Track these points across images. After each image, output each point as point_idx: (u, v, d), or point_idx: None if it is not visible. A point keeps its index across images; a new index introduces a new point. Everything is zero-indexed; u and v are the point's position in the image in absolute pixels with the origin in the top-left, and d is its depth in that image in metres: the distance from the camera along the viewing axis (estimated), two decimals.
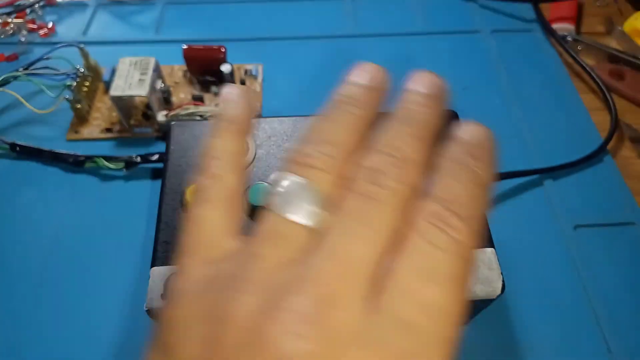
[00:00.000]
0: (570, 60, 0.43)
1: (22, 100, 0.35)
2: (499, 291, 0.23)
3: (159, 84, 0.36)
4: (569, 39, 0.44)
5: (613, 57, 0.42)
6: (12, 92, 0.35)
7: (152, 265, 0.23)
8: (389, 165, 0.14)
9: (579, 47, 0.43)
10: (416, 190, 0.14)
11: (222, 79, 0.38)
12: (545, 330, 0.28)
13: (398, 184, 0.14)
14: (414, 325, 0.12)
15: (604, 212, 0.33)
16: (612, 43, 0.44)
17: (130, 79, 0.34)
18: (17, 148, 0.34)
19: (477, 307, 0.25)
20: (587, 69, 0.40)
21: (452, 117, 0.29)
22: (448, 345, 0.12)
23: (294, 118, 0.28)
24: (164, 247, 0.24)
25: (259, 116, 0.37)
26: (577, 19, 0.46)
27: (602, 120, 0.39)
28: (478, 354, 0.28)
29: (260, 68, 0.41)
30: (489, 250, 0.24)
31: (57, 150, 0.34)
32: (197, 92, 0.38)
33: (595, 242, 0.32)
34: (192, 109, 0.35)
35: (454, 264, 0.12)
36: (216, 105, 0.37)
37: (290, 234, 0.13)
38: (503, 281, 0.23)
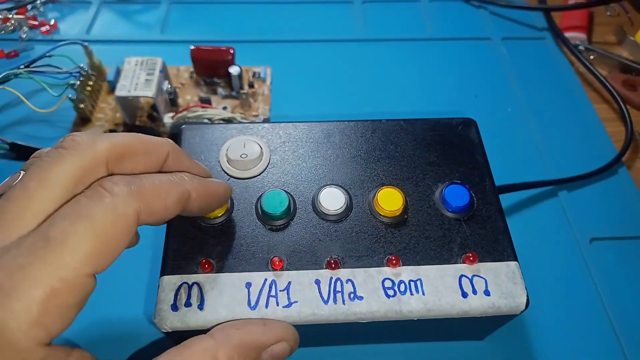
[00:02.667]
0: (582, 69, 0.42)
1: (23, 98, 0.34)
2: (523, 306, 0.22)
3: (166, 85, 0.35)
4: (581, 48, 0.43)
5: (625, 67, 0.42)
6: (12, 90, 0.34)
7: (162, 274, 0.22)
8: None
9: (591, 57, 0.43)
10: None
11: (230, 81, 0.37)
12: (562, 345, 0.28)
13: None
14: None
15: (620, 225, 0.33)
16: (624, 53, 0.44)
17: (137, 79, 0.33)
18: (18, 148, 0.33)
19: (497, 321, 0.25)
20: (601, 78, 0.40)
21: (470, 124, 0.28)
22: None
23: (308, 123, 0.28)
24: (175, 255, 0.22)
25: (267, 120, 0.37)
26: (588, 28, 0.46)
27: (616, 132, 0.38)
28: None
29: (268, 71, 0.40)
30: (513, 263, 0.23)
31: None
32: (203, 94, 0.37)
33: (612, 255, 0.31)
34: (199, 111, 0.34)
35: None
36: (224, 108, 0.36)
37: None
38: (527, 296, 0.22)
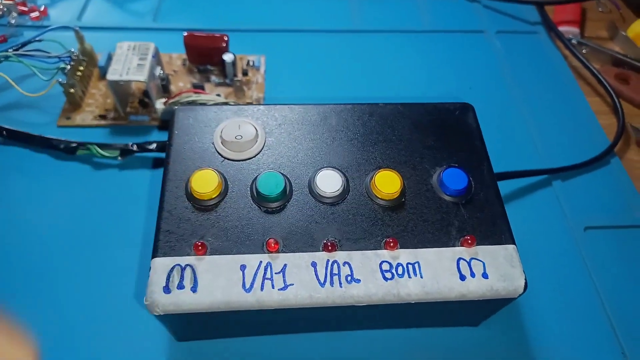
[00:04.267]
0: (576, 63, 0.43)
1: (12, 82, 0.33)
2: (521, 289, 0.22)
3: (158, 71, 0.34)
4: (574, 42, 0.43)
5: (617, 61, 0.42)
6: (0, 73, 0.33)
7: (154, 255, 0.21)
8: None
9: (584, 50, 0.43)
10: None
11: (224, 69, 0.37)
12: (557, 333, 0.27)
13: None
14: None
15: (613, 214, 0.33)
16: (615, 48, 0.44)
17: (129, 64, 0.33)
18: (5, 132, 0.32)
19: (494, 305, 0.24)
20: (595, 71, 0.40)
21: (468, 109, 0.28)
22: None
23: (305, 106, 0.27)
24: (167, 236, 0.22)
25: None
26: (581, 23, 0.46)
27: (608, 124, 0.38)
28: (488, 356, 0.26)
29: (262, 59, 0.39)
30: (511, 246, 0.23)
31: (47, 136, 0.32)
32: (196, 81, 0.37)
33: (606, 244, 0.31)
34: (193, 96, 0.33)
35: None
36: (218, 94, 0.36)
37: None
38: (525, 279, 0.22)
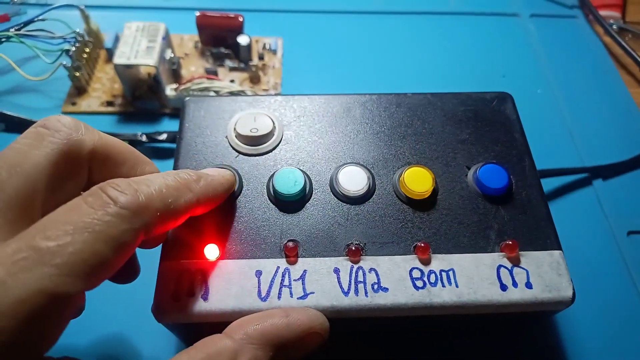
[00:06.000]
0: (617, 50, 0.39)
1: (14, 64, 0.31)
2: (569, 301, 0.20)
3: (169, 54, 0.32)
4: (615, 27, 0.40)
5: None
6: (2, 55, 0.31)
7: (162, 260, 0.20)
8: None
9: (627, 37, 0.40)
10: None
11: (238, 52, 0.34)
12: (597, 342, 0.25)
13: None
14: None
15: None
16: None
17: (137, 47, 0.30)
18: (7, 119, 0.30)
19: (537, 318, 0.22)
20: (639, 60, 0.37)
21: (506, 99, 0.25)
22: None
23: (326, 96, 0.25)
24: (176, 239, 0.20)
25: (278, 94, 0.34)
26: (623, 7, 0.42)
27: None
28: None
29: (280, 42, 0.37)
30: (557, 252, 0.21)
31: None
32: (209, 66, 0.35)
33: None
34: (205, 83, 0.31)
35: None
36: (232, 80, 0.34)
37: None
38: (574, 289, 0.20)
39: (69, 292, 0.13)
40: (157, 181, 0.16)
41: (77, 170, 0.17)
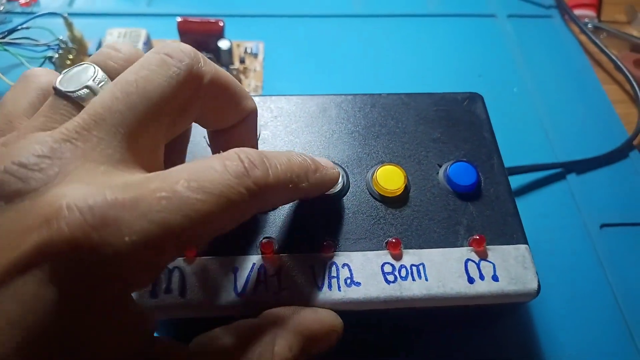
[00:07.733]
0: (592, 49, 0.40)
1: None
2: (534, 293, 0.20)
3: None
4: (590, 26, 0.41)
5: (637, 47, 0.40)
6: None
7: None
8: None
9: (602, 36, 0.41)
10: None
11: (219, 57, 0.35)
12: (570, 333, 0.26)
13: None
14: None
15: (631, 210, 0.31)
16: (634, 33, 0.42)
17: None
18: None
19: (504, 310, 0.23)
20: (614, 58, 0.38)
21: (477, 99, 0.26)
22: None
23: (302, 97, 0.26)
24: None
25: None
26: (598, 7, 0.43)
27: (626, 113, 0.36)
28: (498, 357, 0.25)
29: (261, 46, 0.38)
30: (523, 246, 0.21)
31: None
32: None
33: (624, 242, 0.30)
34: None
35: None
36: None
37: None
38: (539, 282, 0.21)
39: (181, 253, 0.13)
40: (285, 162, 0.15)
41: (193, 102, 0.16)
